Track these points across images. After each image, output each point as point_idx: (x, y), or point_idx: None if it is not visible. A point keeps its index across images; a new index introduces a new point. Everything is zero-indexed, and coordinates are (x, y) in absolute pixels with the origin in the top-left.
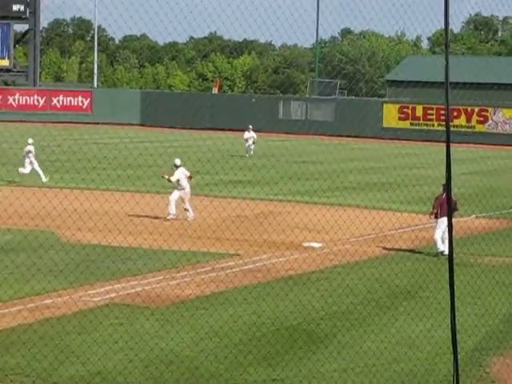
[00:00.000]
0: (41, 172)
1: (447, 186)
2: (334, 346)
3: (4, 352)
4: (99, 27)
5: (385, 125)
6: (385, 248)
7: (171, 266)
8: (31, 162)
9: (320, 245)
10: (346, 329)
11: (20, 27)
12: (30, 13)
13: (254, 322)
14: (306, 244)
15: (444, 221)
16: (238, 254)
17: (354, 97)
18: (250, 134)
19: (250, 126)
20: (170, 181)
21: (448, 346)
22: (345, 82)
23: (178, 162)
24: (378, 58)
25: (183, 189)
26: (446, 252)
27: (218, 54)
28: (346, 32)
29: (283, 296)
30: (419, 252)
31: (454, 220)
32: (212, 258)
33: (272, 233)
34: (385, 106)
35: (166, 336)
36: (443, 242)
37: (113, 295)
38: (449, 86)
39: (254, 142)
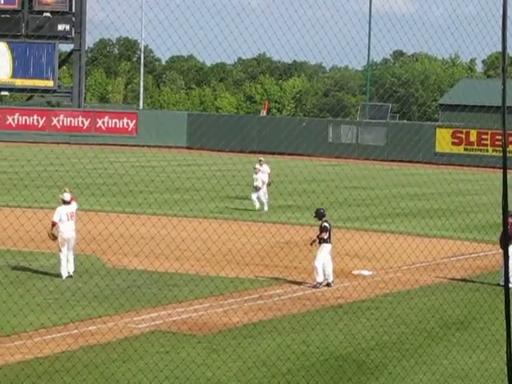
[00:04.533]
0: (265, 201)
1: (504, 215)
2: (385, 378)
3: (48, 380)
4: (146, 48)
5: (438, 150)
6: (437, 277)
7: (218, 293)
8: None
9: (370, 273)
10: (397, 360)
11: (65, 47)
12: (75, 33)
13: (302, 351)
14: (356, 272)
15: None
16: (287, 282)
17: (406, 121)
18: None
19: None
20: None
21: (502, 378)
22: (397, 105)
23: (67, 196)
24: (431, 81)
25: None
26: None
27: (266, 75)
28: (398, 54)
29: (332, 325)
30: (473, 281)
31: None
32: (260, 286)
33: None
34: (438, 130)
35: (213, 365)
36: None
37: (159, 322)
38: (506, 111)
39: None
